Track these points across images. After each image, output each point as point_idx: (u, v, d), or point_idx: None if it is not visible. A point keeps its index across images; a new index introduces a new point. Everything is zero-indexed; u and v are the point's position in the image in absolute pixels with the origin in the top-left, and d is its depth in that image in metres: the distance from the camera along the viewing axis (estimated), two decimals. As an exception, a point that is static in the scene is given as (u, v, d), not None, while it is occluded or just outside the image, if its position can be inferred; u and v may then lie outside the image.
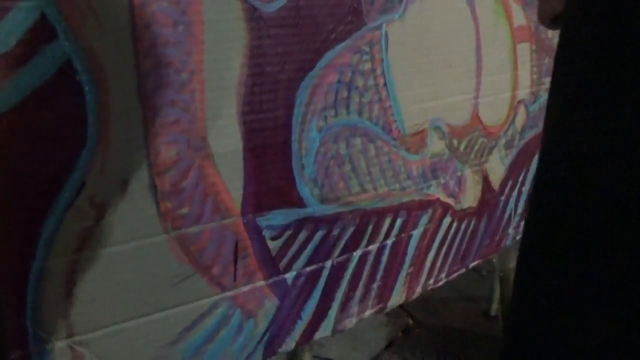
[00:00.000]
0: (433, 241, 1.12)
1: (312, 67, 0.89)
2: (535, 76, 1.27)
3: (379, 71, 0.98)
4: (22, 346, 0.68)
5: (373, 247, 1.02)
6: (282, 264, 0.90)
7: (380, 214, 1.02)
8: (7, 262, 0.66)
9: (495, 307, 2.38)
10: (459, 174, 1.14)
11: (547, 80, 1.30)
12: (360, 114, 0.96)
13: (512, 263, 1.38)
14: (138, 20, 0.72)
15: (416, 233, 1.08)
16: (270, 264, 0.89)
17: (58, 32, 0.66)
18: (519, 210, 1.30)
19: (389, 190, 1.02)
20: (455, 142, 1.12)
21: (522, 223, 1.30)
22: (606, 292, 0.62)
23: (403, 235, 1.06)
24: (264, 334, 0.90)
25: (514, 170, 1.26)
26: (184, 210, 0.79)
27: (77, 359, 0.72)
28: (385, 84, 0.99)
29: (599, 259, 0.61)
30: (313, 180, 0.92)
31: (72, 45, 0.67)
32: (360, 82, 0.95)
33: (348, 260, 0.99)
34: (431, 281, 1.13)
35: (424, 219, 1.09)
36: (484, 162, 1.19)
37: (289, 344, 0.93)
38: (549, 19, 0.74)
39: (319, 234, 0.94)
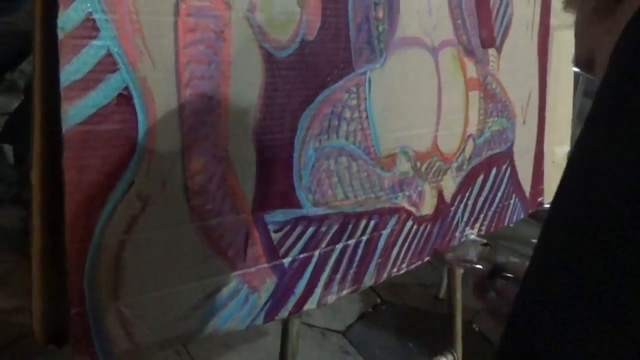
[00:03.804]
0: (397, 239, 1.12)
1: (312, 100, 0.90)
2: (481, 117, 1.27)
3: (362, 107, 0.98)
4: (80, 304, 0.68)
5: (351, 242, 1.02)
6: (281, 251, 0.90)
7: (358, 216, 1.02)
8: (73, 238, 0.66)
9: (443, 292, 2.38)
10: (420, 188, 1.14)
11: (491, 120, 1.30)
12: (347, 138, 0.96)
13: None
14: (181, 58, 0.73)
15: (385, 232, 1.08)
16: (272, 251, 0.89)
17: (120, 65, 0.67)
18: (465, 218, 1.30)
19: (366, 198, 1.02)
20: (418, 164, 1.12)
21: (467, 228, 1.30)
22: None
23: (375, 233, 1.06)
24: (265, 305, 0.90)
25: (462, 188, 1.26)
26: (208, 206, 0.79)
27: (121, 316, 0.72)
28: (367, 117, 0.99)
29: None
30: (308, 188, 0.92)
31: (130, 76, 0.68)
32: (348, 114, 0.96)
33: (332, 251, 0.98)
34: (395, 269, 1.13)
35: (392, 221, 1.09)
36: (440, 180, 1.19)
37: (284, 313, 0.93)
38: (584, 63, 0.62)
39: (310, 230, 0.94)
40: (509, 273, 0.80)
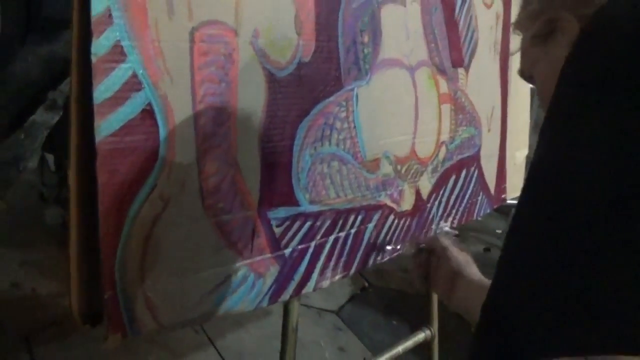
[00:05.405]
0: (381, 231, 1.12)
1: (308, 113, 0.90)
2: (453, 126, 1.28)
3: (351, 118, 0.98)
4: (112, 289, 0.68)
5: (342, 234, 1.02)
6: (283, 243, 0.90)
7: (348, 212, 1.02)
8: (105, 232, 0.66)
9: (421, 277, 2.37)
10: (400, 188, 1.14)
11: (461, 129, 1.31)
12: (337, 145, 0.96)
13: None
14: (196, 78, 0.73)
15: (370, 226, 1.08)
16: (275, 243, 0.89)
17: (144, 84, 0.67)
18: (439, 213, 1.30)
19: (354, 196, 1.02)
20: (399, 166, 1.12)
21: (441, 222, 1.30)
22: None
23: (362, 227, 1.06)
24: (269, 289, 0.89)
25: (437, 187, 1.27)
26: (221, 205, 0.79)
27: (147, 300, 0.72)
28: (354, 127, 0.99)
29: None
30: (305, 188, 0.92)
31: (153, 94, 0.68)
32: (338, 124, 0.96)
33: (325, 242, 0.98)
34: (379, 258, 1.13)
35: (376, 216, 1.09)
36: (417, 181, 1.19)
37: (285, 296, 0.93)
38: (526, 76, 0.65)
39: (307, 224, 0.94)
40: (428, 248, 1.00)
